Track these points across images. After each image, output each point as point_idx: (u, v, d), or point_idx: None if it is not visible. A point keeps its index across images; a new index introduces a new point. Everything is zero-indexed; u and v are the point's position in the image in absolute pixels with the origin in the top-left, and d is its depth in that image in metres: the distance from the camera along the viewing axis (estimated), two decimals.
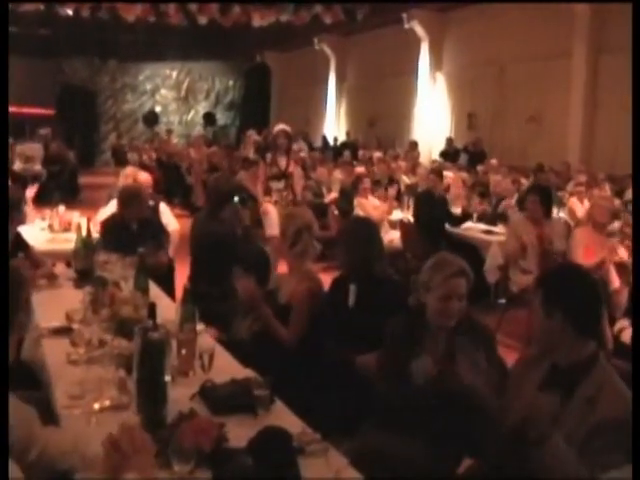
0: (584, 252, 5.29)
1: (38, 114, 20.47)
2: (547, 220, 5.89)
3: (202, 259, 4.60)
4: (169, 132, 20.28)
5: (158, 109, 24.21)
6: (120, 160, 16.79)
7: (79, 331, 2.72)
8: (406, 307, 3.05)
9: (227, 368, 2.69)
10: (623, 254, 4.72)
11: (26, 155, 13.30)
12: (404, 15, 15.62)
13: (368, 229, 3.53)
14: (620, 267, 4.55)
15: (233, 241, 4.52)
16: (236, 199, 5.34)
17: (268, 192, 7.13)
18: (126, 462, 1.74)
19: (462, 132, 15.50)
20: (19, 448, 1.76)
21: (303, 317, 3.29)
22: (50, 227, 5.81)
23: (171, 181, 14.17)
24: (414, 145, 14.87)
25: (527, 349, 2.53)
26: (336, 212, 8.30)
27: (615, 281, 4.53)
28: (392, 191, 8.50)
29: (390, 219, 7.86)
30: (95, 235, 4.28)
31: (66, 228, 5.68)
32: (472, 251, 6.76)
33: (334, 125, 20.50)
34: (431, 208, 7.25)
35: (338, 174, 10.20)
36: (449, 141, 15.28)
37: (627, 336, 4.31)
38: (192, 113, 24.54)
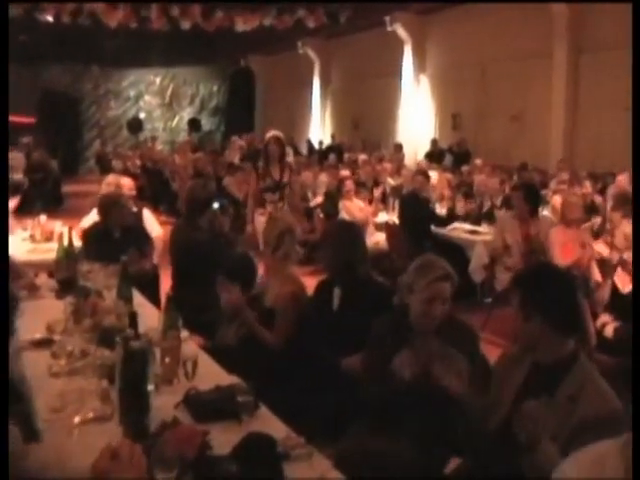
0: (561, 250, 5.33)
1: (19, 122, 20.33)
2: (533, 218, 5.92)
3: (181, 267, 4.58)
4: (154, 138, 20.22)
5: (142, 115, 24.13)
6: (104, 167, 16.72)
7: (60, 342, 2.70)
8: (391, 309, 3.07)
9: (212, 375, 2.68)
10: (603, 250, 4.76)
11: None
12: (387, 18, 15.67)
13: (351, 232, 3.55)
14: (601, 263, 4.59)
15: (212, 248, 4.49)
16: (216, 205, 5.32)
17: (262, 204, 6.71)
18: (119, 475, 1.73)
19: (447, 133, 15.56)
20: None
21: (288, 321, 3.30)
22: (32, 237, 5.75)
23: (156, 188, 14.13)
24: (399, 147, 14.92)
25: (510, 347, 2.53)
26: (322, 215, 8.30)
27: (596, 277, 4.56)
28: (377, 193, 8.52)
29: (375, 221, 7.88)
30: (77, 244, 4.26)
31: (48, 238, 5.62)
32: (458, 251, 6.79)
33: (319, 128, 20.52)
34: (416, 209, 7.26)
35: (323, 177, 10.20)
36: (434, 142, 15.33)
37: (610, 331, 4.35)
38: (177, 119, 24.48)
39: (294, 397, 2.89)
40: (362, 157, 12.51)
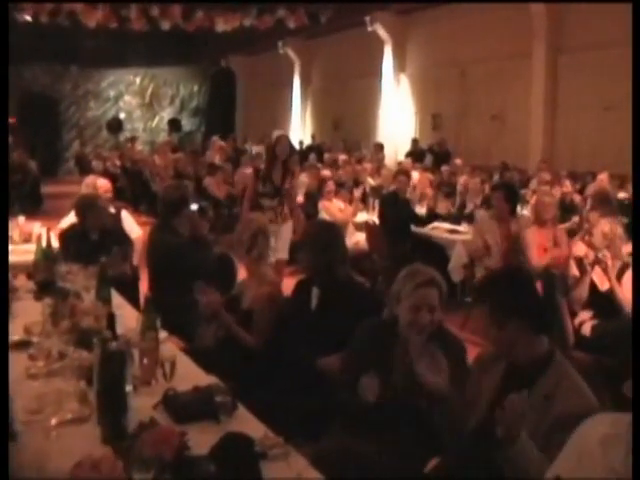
0: (537, 251, 5.39)
1: None
2: (512, 218, 5.97)
3: (157, 269, 4.56)
4: (134, 139, 20.11)
5: (122, 116, 23.99)
6: (84, 168, 16.61)
7: (38, 344, 2.69)
8: (372, 311, 3.09)
9: (190, 376, 2.68)
10: (581, 249, 4.82)
11: None
12: (367, 18, 15.73)
13: (331, 232, 3.55)
14: (578, 262, 4.64)
15: (188, 250, 4.47)
16: (195, 207, 5.30)
17: (259, 209, 6.18)
18: None
19: (427, 133, 15.65)
20: None
21: (265, 322, 3.32)
22: (10, 239, 5.71)
23: (136, 188, 14.06)
24: (380, 147, 14.97)
25: (487, 347, 2.56)
26: (302, 216, 8.30)
27: (574, 275, 4.61)
28: (357, 193, 8.55)
29: (355, 221, 7.90)
30: (56, 245, 4.23)
31: (26, 239, 5.58)
32: (438, 251, 6.84)
33: (300, 128, 20.53)
34: (396, 209, 7.30)
35: (304, 177, 10.19)
36: (415, 141, 15.41)
37: (588, 329, 4.41)
38: (157, 119, 24.37)
39: (273, 397, 2.91)
40: (342, 157, 12.54)
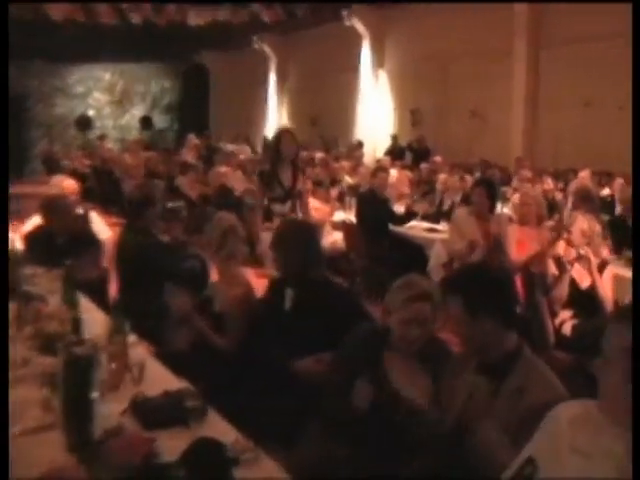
0: (517, 248, 5.45)
1: None
2: (491, 215, 6.03)
3: (126, 271, 4.54)
4: (103, 137, 19.94)
5: (91, 113, 23.76)
6: (51, 168, 16.40)
7: None
8: (346, 311, 3.10)
9: (160, 380, 2.67)
10: (560, 247, 4.88)
11: None
12: (344, 12, 15.76)
13: (305, 232, 3.56)
14: (557, 261, 4.70)
15: (158, 251, 4.45)
16: (171, 205, 5.27)
17: (268, 217, 5.73)
18: None
19: (406, 129, 15.72)
20: None
21: (238, 324, 3.32)
22: None
23: (106, 188, 13.92)
24: (359, 145, 15.01)
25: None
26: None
27: (553, 274, 4.66)
28: (334, 192, 8.56)
29: (333, 220, 7.92)
30: (20, 248, 4.19)
31: None
32: (417, 250, 6.88)
33: (276, 126, 20.50)
34: (374, 208, 7.32)
35: None
36: (394, 138, 15.47)
37: (568, 328, 4.47)
38: (127, 117, 24.17)
39: (245, 401, 2.91)
40: (319, 155, 12.55)
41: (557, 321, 4.57)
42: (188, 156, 13.90)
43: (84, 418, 2.10)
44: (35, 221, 5.20)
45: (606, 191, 9.06)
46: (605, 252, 4.75)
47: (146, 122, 23.82)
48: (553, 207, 7.87)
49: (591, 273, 4.59)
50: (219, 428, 2.27)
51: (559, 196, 8.59)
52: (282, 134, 5.84)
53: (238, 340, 3.33)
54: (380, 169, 8.55)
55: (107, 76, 23.85)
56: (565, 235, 4.84)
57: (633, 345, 1.45)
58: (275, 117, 20.67)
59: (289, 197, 5.76)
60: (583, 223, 4.73)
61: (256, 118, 21.12)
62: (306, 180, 5.99)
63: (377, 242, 6.96)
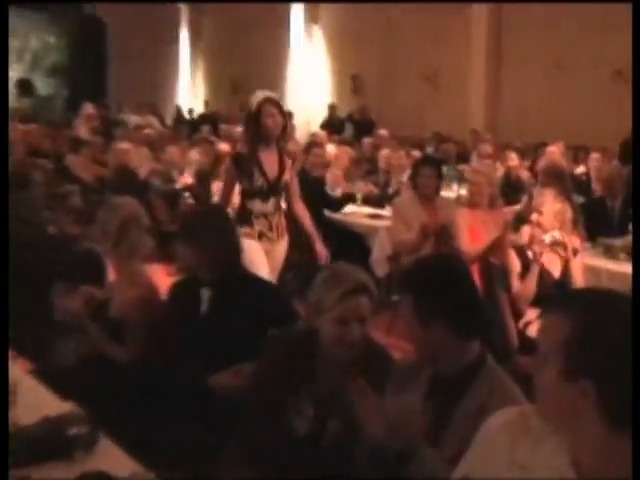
0: (471, 235, 5.53)
1: None
2: (437, 198, 6.11)
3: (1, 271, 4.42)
4: None
5: None
6: None
7: None
8: (276, 314, 3.08)
9: (40, 404, 2.62)
10: (526, 234, 4.96)
11: None
12: None
13: (220, 219, 3.54)
14: (520, 251, 4.78)
15: (42, 246, 4.35)
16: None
17: (245, 219, 5.02)
18: None
19: (346, 98, 15.80)
20: None
21: (139, 332, 3.28)
22: None
23: None
24: (288, 115, 14.98)
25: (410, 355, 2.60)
26: (191, 201, 8.23)
27: (515, 267, 4.74)
28: None
29: None
30: None
31: None
32: (356, 240, 6.91)
33: (189, 93, 20.35)
34: (305, 190, 7.29)
35: (194, 154, 10.11)
36: (332, 108, 15.54)
37: (534, 330, 4.55)
38: None
39: (147, 425, 2.88)
40: (240, 129, 12.50)
41: (521, 322, 4.65)
42: (81, 130, 13.64)
43: None
44: None
45: (581, 169, 9.29)
46: (576, 241, 4.86)
47: (24, 87, 23.14)
48: (518, 188, 8.02)
49: (566, 263, 4.68)
50: (112, 458, 2.25)
51: (525, 175, 8.75)
52: (263, 104, 4.99)
53: (140, 351, 3.28)
54: (314, 144, 8.54)
55: None
56: (534, 218, 4.89)
57: (633, 345, 1.46)
58: (188, 82, 20.49)
59: (274, 191, 5.09)
60: (555, 204, 4.83)
61: (164, 83, 20.88)
62: (293, 168, 5.25)
63: None
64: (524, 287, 4.69)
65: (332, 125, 14.57)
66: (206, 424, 2.98)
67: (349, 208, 7.62)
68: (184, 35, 20.50)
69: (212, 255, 3.31)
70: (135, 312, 3.31)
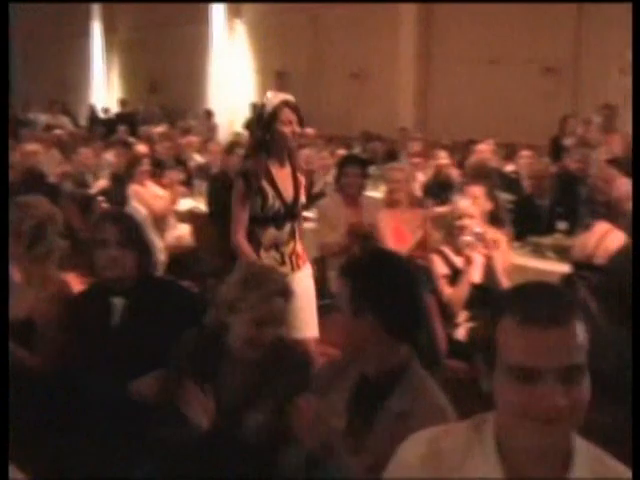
0: (395, 236, 5.62)
1: None
2: (362, 197, 6.19)
3: None
4: None
5: None
6: None
7: None
8: (197, 324, 3.10)
9: None
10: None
11: None
12: None
13: (128, 220, 3.53)
14: (441, 254, 4.89)
15: None
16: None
17: (254, 247, 4.32)
18: None
19: None
20: None
21: (51, 337, 3.24)
22: None
23: None
24: (208, 114, 14.98)
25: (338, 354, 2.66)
26: (105, 205, 8.15)
27: (439, 269, 4.83)
28: (179, 174, 8.50)
29: (177, 210, 7.87)
30: None
31: None
32: None
33: (104, 92, 20.10)
34: (228, 194, 7.29)
35: (109, 156, 10.04)
36: (255, 107, 15.52)
37: (462, 333, 4.66)
38: None
39: (58, 439, 2.86)
40: (160, 129, 12.45)
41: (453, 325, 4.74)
42: None
43: None
44: None
45: (511, 167, 9.49)
46: (497, 234, 5.00)
47: None
48: (447, 186, 8.15)
49: (488, 260, 4.79)
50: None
51: (455, 173, 8.90)
52: (281, 108, 4.26)
53: (51, 358, 3.25)
54: (237, 145, 8.54)
55: None
56: (457, 216, 4.98)
57: (633, 344, 1.54)
58: (102, 80, 20.23)
59: (290, 215, 4.38)
60: (486, 204, 4.96)
61: (76, 81, 20.58)
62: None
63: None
64: (456, 291, 4.76)
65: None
66: (119, 435, 2.98)
67: None
68: (96, 29, 20.22)
69: (124, 260, 3.30)
70: (48, 315, 3.27)
